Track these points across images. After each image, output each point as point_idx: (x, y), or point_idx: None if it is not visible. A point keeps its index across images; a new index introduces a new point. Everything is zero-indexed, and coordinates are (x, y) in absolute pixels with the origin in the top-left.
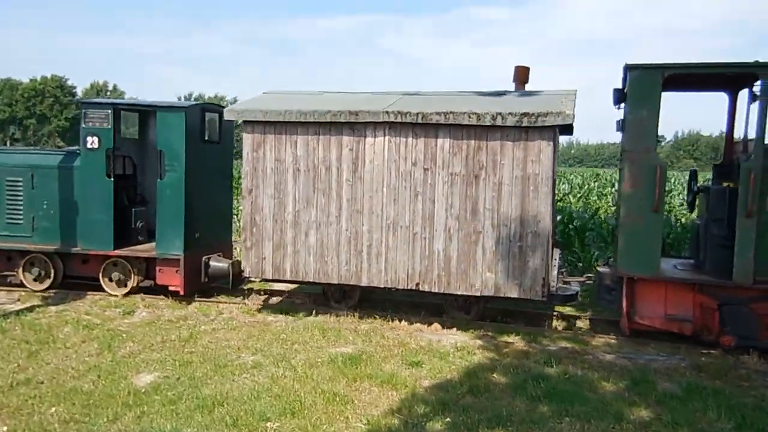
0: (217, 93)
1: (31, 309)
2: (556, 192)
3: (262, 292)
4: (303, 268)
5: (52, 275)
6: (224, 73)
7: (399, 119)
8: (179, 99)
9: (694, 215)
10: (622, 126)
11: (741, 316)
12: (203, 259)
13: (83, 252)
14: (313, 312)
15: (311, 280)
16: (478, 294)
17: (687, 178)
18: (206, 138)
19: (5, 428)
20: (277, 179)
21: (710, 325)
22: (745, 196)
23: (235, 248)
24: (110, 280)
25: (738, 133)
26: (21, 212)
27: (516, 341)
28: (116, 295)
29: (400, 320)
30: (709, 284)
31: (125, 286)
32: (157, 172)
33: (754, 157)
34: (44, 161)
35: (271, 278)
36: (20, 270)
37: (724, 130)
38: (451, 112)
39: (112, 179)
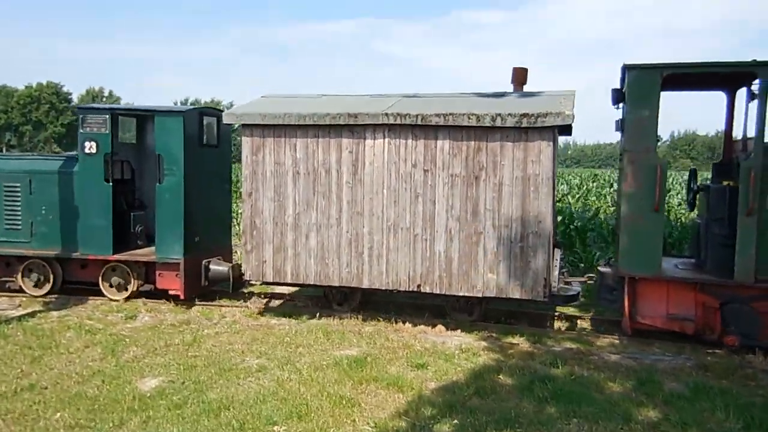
0: (214, 98)
1: (32, 314)
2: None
3: (262, 295)
4: (304, 270)
5: (51, 280)
6: (220, 78)
7: (398, 121)
8: (175, 104)
9: (693, 214)
10: (621, 126)
11: (743, 315)
12: (203, 262)
13: (82, 257)
14: (317, 315)
15: (312, 283)
16: (480, 295)
17: (684, 177)
18: (204, 142)
19: None
20: (276, 182)
21: (712, 324)
22: (745, 194)
23: (235, 252)
24: (110, 285)
25: (736, 132)
26: (19, 218)
27: (520, 342)
28: (117, 300)
29: (403, 322)
30: (711, 283)
31: (125, 290)
32: (156, 177)
33: (753, 155)
34: (42, 166)
35: (271, 281)
36: (19, 276)
37: (722, 129)
38: (450, 114)
39: (111, 184)
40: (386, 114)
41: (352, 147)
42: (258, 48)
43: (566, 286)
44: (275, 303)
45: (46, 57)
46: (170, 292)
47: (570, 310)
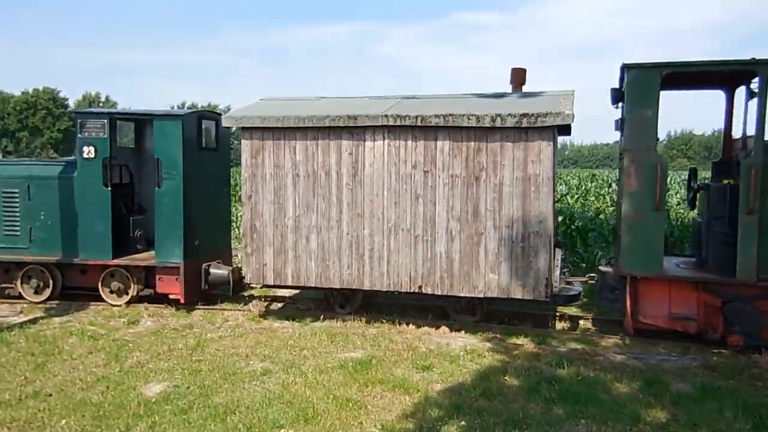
0: (210, 102)
1: (34, 321)
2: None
3: (263, 298)
4: (304, 273)
5: (50, 286)
6: (217, 82)
7: (398, 122)
8: (172, 108)
9: (693, 213)
10: (620, 125)
11: (745, 314)
12: (203, 266)
13: (82, 263)
14: (320, 317)
15: (313, 285)
16: (482, 295)
17: (681, 177)
18: (203, 145)
19: None
20: (276, 185)
21: (714, 323)
22: (746, 193)
23: (235, 255)
24: (110, 290)
25: (736, 131)
26: (18, 224)
27: (525, 343)
28: (119, 305)
29: (407, 324)
30: (713, 282)
31: (126, 294)
32: (155, 181)
33: (754, 153)
34: (40, 172)
35: (272, 284)
36: (18, 282)
37: (718, 128)
38: (450, 115)
39: (109, 188)
40: (386, 116)
41: (351, 149)
42: (254, 52)
43: (568, 286)
44: (277, 306)
45: (42, 63)
46: (170, 297)
47: (573, 310)
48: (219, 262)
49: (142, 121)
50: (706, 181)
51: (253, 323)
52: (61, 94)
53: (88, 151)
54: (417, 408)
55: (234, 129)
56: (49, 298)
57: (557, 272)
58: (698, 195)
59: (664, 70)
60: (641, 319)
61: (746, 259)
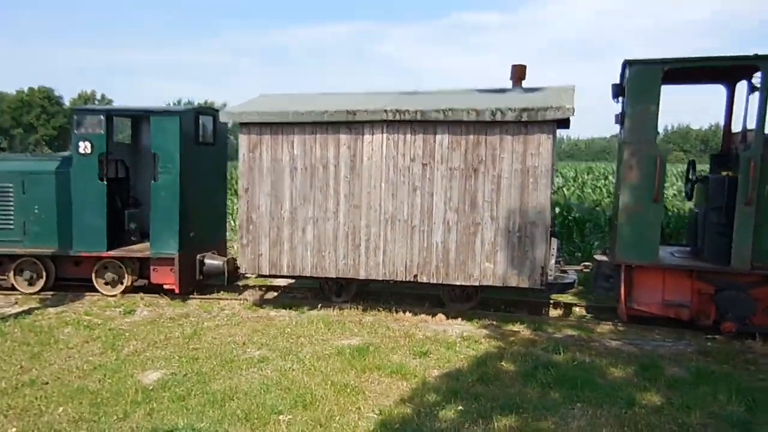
0: (207, 99)
1: (29, 311)
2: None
3: (258, 288)
4: (300, 263)
5: (44, 277)
6: (217, 82)
7: (397, 117)
8: (168, 105)
9: (690, 204)
10: (621, 119)
11: (738, 301)
12: (198, 257)
13: (76, 254)
14: (317, 306)
15: (308, 275)
16: (477, 284)
17: (678, 170)
18: (200, 140)
19: (14, 430)
20: (273, 178)
21: (707, 310)
22: (744, 184)
23: (231, 246)
24: (105, 281)
25: (735, 125)
26: (12, 217)
27: (521, 330)
28: (114, 295)
29: (404, 311)
30: (707, 270)
31: (120, 284)
32: (151, 175)
33: (753, 146)
34: (35, 167)
35: (267, 274)
36: (11, 274)
37: (715, 122)
38: (450, 109)
39: (105, 182)
40: (385, 110)
41: (350, 143)
42: (251, 51)
43: (562, 275)
44: (272, 295)
45: (42, 63)
46: (165, 287)
47: (568, 298)
48: (214, 253)
49: (139, 117)
50: (705, 173)
51: (249, 312)
52: (56, 93)
53: (84, 147)
54: (414, 393)
55: (231, 124)
56: (42, 289)
57: (552, 261)
58: (696, 186)
59: (666, 65)
60: (635, 306)
61: (742, 248)
